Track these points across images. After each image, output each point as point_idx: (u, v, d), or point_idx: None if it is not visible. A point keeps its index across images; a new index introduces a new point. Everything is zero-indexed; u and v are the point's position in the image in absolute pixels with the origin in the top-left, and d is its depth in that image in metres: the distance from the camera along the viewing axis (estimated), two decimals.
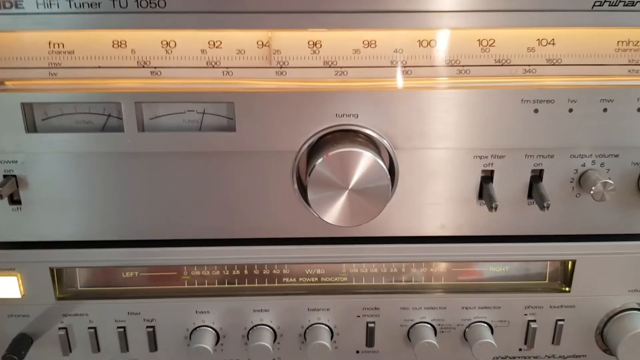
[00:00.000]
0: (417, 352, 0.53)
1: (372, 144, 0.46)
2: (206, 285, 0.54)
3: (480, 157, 0.48)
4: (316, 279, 0.55)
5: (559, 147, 0.48)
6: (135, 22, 0.43)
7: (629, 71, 0.46)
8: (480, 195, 0.50)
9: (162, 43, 0.45)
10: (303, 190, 0.48)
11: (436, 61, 0.45)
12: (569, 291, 0.54)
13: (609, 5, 0.43)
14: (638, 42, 0.45)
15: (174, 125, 0.47)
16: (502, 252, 0.53)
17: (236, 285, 0.54)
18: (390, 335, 0.55)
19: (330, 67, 0.45)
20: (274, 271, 0.54)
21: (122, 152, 0.47)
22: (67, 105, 0.47)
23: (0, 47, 0.44)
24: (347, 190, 0.44)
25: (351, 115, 0.46)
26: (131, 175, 0.48)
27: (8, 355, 0.51)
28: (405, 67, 0.45)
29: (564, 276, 0.54)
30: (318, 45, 0.45)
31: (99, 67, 0.45)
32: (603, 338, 0.55)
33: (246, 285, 0.54)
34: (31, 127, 0.47)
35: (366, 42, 0.45)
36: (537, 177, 0.49)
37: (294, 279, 0.54)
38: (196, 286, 0.54)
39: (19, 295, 0.52)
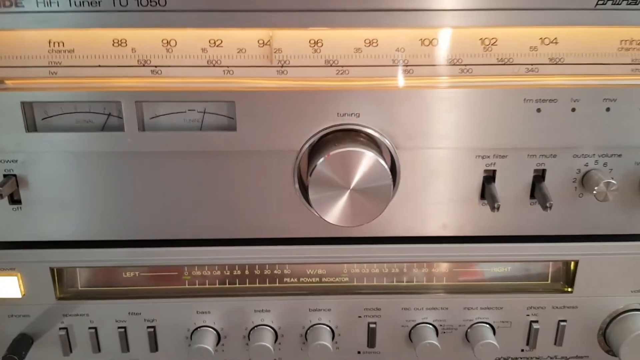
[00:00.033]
0: (418, 352, 0.53)
1: (373, 143, 0.46)
2: (207, 286, 0.54)
3: (482, 157, 0.48)
4: (317, 279, 0.54)
5: (561, 146, 0.48)
6: (135, 20, 0.43)
7: (632, 70, 0.46)
8: (482, 195, 0.50)
9: (162, 42, 0.44)
10: (304, 190, 0.48)
11: (438, 60, 0.45)
12: (571, 292, 0.54)
13: (612, 4, 0.43)
14: None
15: (175, 125, 0.47)
16: (504, 253, 0.53)
17: (237, 285, 0.54)
18: (391, 335, 0.55)
19: (331, 66, 0.45)
20: (275, 271, 0.54)
21: (123, 152, 0.47)
22: (67, 105, 0.46)
23: (0, 46, 0.44)
24: (349, 190, 0.44)
25: (352, 115, 0.46)
26: (132, 175, 0.48)
27: (8, 355, 0.51)
28: (407, 66, 0.45)
29: (567, 277, 0.54)
30: (319, 44, 0.45)
31: (99, 66, 0.45)
32: (605, 339, 0.55)
33: (247, 285, 0.54)
34: (31, 126, 0.47)
35: (368, 41, 0.45)
36: (539, 176, 0.49)
37: (295, 279, 0.54)
38: (197, 286, 0.54)
39: (19, 295, 0.52)
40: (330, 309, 0.54)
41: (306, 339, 0.55)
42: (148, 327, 0.54)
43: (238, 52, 0.45)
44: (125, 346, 0.54)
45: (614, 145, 0.48)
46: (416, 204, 0.50)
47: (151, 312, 0.54)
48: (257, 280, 0.54)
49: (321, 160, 0.43)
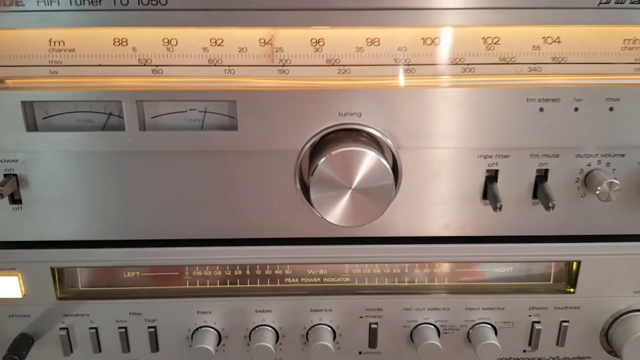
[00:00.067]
0: (420, 353, 0.53)
1: (375, 143, 0.46)
2: (208, 286, 0.54)
3: (485, 157, 0.48)
4: (319, 279, 0.54)
5: (564, 146, 0.48)
6: (136, 19, 0.43)
7: (636, 70, 0.46)
8: (485, 195, 0.49)
9: (163, 41, 0.44)
10: (305, 189, 0.48)
11: (440, 59, 0.45)
12: (573, 292, 0.53)
13: (615, 3, 0.43)
14: None
15: (176, 124, 0.47)
16: (506, 253, 0.53)
17: (238, 285, 0.54)
18: (393, 336, 0.55)
19: (333, 65, 0.45)
20: (276, 271, 0.54)
21: (123, 151, 0.47)
22: (67, 104, 0.46)
23: (1, 45, 0.44)
24: (350, 190, 0.44)
25: (354, 114, 0.46)
26: (132, 175, 0.48)
27: (9, 355, 0.51)
28: (409, 65, 0.45)
29: (569, 277, 0.54)
30: (321, 43, 0.44)
31: (100, 65, 0.45)
32: (608, 339, 0.55)
33: (248, 285, 0.54)
34: (32, 125, 0.46)
35: (369, 40, 0.44)
36: (542, 176, 0.49)
37: (297, 280, 0.54)
38: (198, 286, 0.54)
39: (20, 295, 0.52)
40: (331, 309, 0.54)
41: (307, 340, 0.54)
42: (149, 327, 0.54)
43: (239, 52, 0.45)
44: (126, 346, 0.54)
45: (617, 145, 0.48)
46: (418, 204, 0.50)
47: (152, 312, 0.54)
48: (258, 280, 0.54)
49: (323, 160, 0.43)
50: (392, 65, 0.45)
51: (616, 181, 0.46)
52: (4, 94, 0.45)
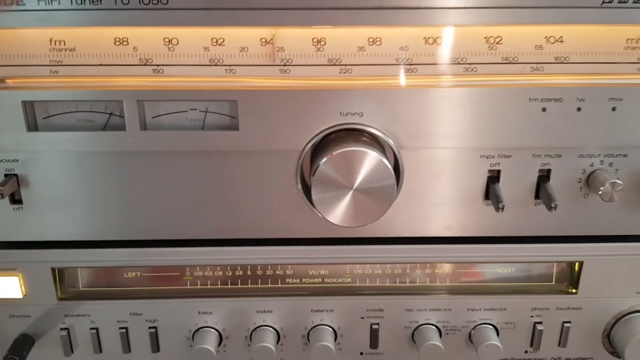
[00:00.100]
0: (421, 354, 0.53)
1: (377, 143, 0.46)
2: (209, 286, 0.54)
3: (487, 157, 0.48)
4: (320, 279, 0.54)
5: (566, 146, 0.47)
6: (137, 19, 0.43)
7: (638, 69, 0.46)
8: (487, 196, 0.49)
9: (164, 40, 0.44)
10: (307, 190, 0.47)
11: (442, 59, 0.45)
12: (575, 293, 0.53)
13: (618, 2, 0.43)
14: None
15: (176, 124, 0.47)
16: (508, 253, 0.52)
17: (239, 285, 0.54)
18: (394, 336, 0.55)
19: (334, 65, 0.45)
20: (277, 272, 0.54)
21: (124, 151, 0.47)
22: (68, 104, 0.46)
23: (1, 45, 0.44)
24: (352, 190, 0.44)
25: (356, 114, 0.46)
26: (133, 175, 0.48)
27: (9, 355, 0.51)
28: (410, 64, 0.45)
29: (571, 278, 0.54)
30: (322, 43, 0.44)
31: (101, 64, 0.45)
32: (610, 340, 0.55)
33: (249, 286, 0.54)
34: (32, 125, 0.46)
35: (371, 40, 0.44)
36: (544, 177, 0.49)
37: (298, 280, 0.54)
38: (199, 287, 0.54)
39: (20, 296, 0.52)
40: (332, 309, 0.54)
41: (308, 340, 0.54)
42: (149, 327, 0.54)
43: (240, 51, 0.44)
44: (127, 347, 0.54)
45: (619, 145, 0.48)
46: (420, 204, 0.50)
47: (153, 313, 0.53)
48: (259, 280, 0.54)
49: (324, 160, 0.43)
50: (394, 65, 0.45)
51: (619, 181, 0.46)
52: (5, 93, 0.45)
